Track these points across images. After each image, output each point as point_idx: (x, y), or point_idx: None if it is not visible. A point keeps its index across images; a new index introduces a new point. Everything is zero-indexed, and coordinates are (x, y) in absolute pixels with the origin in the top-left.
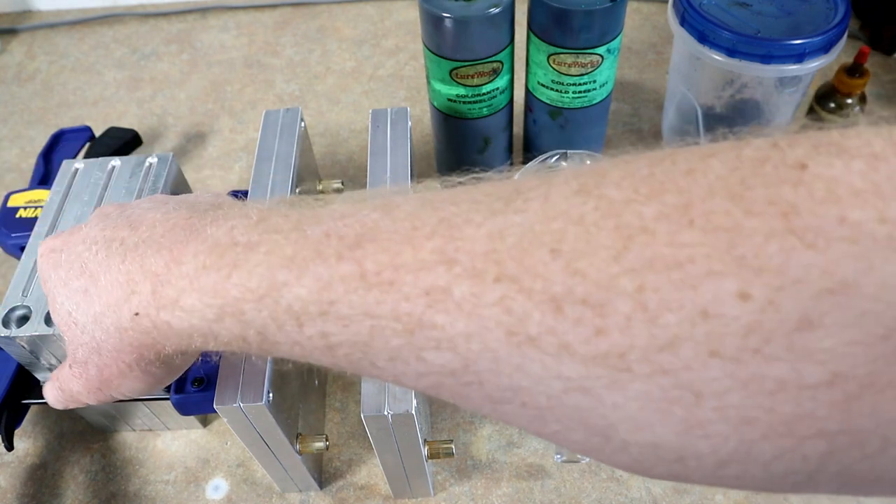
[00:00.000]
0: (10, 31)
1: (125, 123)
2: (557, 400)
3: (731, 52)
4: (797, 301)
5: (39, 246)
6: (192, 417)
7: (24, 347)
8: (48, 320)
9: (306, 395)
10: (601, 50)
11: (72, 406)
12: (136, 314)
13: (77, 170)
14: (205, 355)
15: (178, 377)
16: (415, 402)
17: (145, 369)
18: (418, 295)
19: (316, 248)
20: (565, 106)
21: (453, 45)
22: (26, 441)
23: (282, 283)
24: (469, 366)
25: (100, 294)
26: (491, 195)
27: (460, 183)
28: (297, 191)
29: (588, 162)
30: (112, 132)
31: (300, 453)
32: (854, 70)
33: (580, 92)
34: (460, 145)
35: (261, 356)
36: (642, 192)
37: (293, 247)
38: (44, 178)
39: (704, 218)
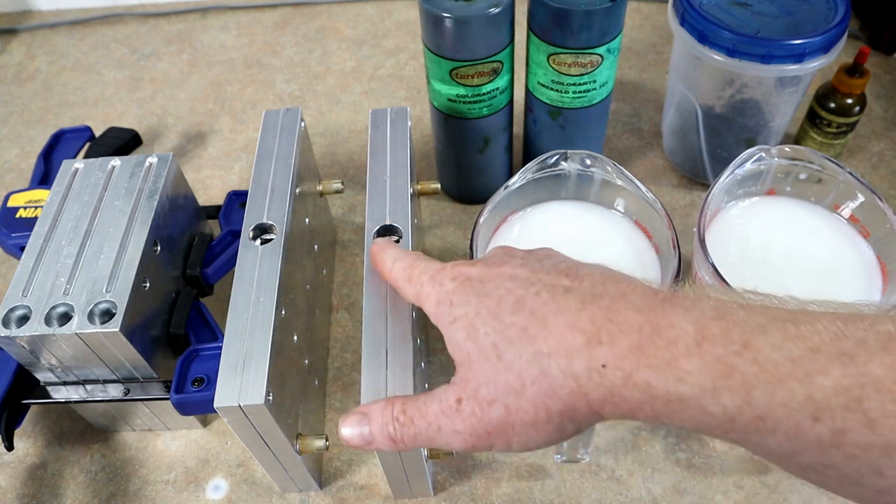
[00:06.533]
0: (10, 31)
1: (125, 123)
2: None
3: (731, 52)
4: None
5: (447, 269)
6: (192, 417)
7: (24, 347)
8: (48, 320)
9: (306, 395)
10: (601, 50)
11: (390, 449)
12: (604, 366)
13: (77, 170)
14: (203, 353)
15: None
16: None
17: (560, 424)
18: None
19: (838, 347)
20: (565, 106)
21: (453, 45)
22: (26, 441)
23: (805, 371)
24: None
25: (547, 336)
26: None
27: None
28: (297, 191)
29: (588, 162)
30: (112, 132)
31: (300, 453)
32: (854, 70)
33: (580, 92)
34: (460, 145)
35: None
36: None
37: (813, 339)
38: (44, 178)
39: None
